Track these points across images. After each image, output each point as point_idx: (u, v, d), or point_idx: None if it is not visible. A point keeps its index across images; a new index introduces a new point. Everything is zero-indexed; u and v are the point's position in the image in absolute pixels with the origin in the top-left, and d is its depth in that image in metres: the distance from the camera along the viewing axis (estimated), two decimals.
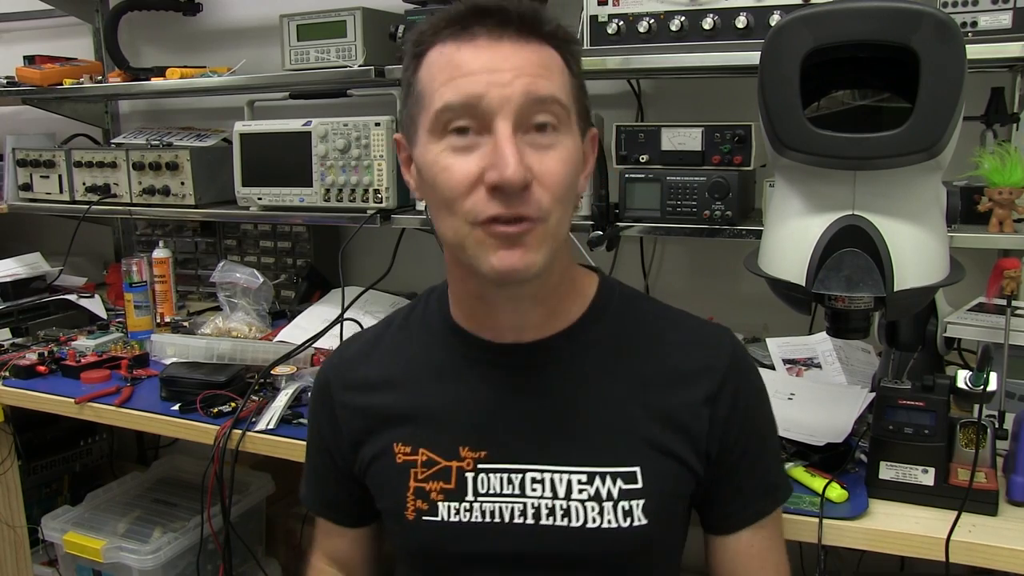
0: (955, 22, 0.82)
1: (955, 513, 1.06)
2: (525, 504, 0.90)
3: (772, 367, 1.57)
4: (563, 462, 0.91)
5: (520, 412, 0.93)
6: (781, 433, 1.22)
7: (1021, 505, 1.11)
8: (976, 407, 1.12)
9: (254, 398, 1.53)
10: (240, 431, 1.43)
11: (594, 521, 0.89)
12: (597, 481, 0.89)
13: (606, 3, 1.52)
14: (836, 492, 1.12)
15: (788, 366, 1.56)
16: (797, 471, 1.18)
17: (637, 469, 0.90)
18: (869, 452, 1.16)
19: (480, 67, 0.79)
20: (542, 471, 0.91)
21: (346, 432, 1.00)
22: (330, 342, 1.72)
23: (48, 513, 1.91)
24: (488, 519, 0.91)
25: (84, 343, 1.87)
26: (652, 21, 1.50)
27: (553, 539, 0.89)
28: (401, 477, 0.94)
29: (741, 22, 1.43)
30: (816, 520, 1.09)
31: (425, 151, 0.83)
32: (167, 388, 1.59)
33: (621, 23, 1.52)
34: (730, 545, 0.98)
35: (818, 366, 1.54)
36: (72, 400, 1.61)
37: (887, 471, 1.13)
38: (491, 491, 0.91)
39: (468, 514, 0.91)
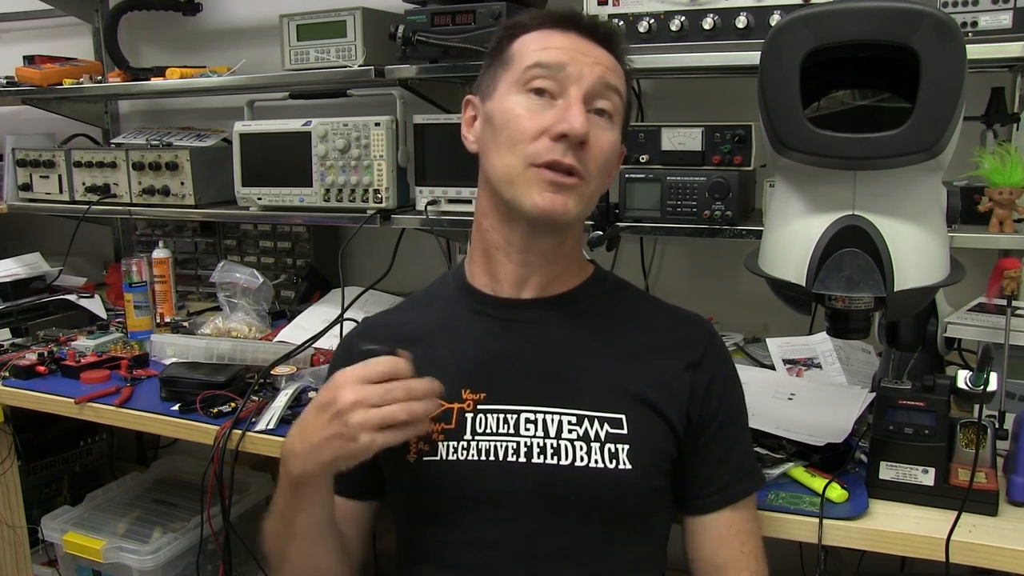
0: (955, 22, 0.82)
1: (955, 513, 1.06)
2: (519, 443, 0.97)
3: (772, 367, 1.57)
4: (555, 405, 0.99)
5: (518, 360, 1.02)
6: (781, 433, 1.22)
7: (1021, 505, 1.11)
8: (976, 407, 1.12)
9: (254, 398, 1.53)
10: (240, 431, 1.43)
11: (582, 460, 0.95)
12: (586, 423, 0.97)
13: (606, 3, 1.52)
14: (836, 492, 1.12)
15: (788, 366, 1.56)
16: (797, 471, 1.18)
17: (623, 417, 0.98)
18: (869, 452, 1.16)
19: (570, 47, 0.97)
20: (536, 411, 0.99)
21: None
22: (330, 342, 1.72)
23: (48, 513, 1.90)
24: (484, 457, 0.97)
25: (84, 343, 1.87)
26: (652, 21, 1.50)
27: (543, 476, 0.96)
28: None
29: (741, 22, 1.43)
30: (816, 520, 1.09)
31: (504, 100, 0.97)
32: (167, 388, 1.59)
33: (621, 23, 1.52)
34: (710, 525, 1.03)
35: (818, 366, 1.54)
36: (72, 400, 1.61)
37: (887, 471, 1.13)
38: (488, 430, 0.98)
39: (465, 452, 0.98)
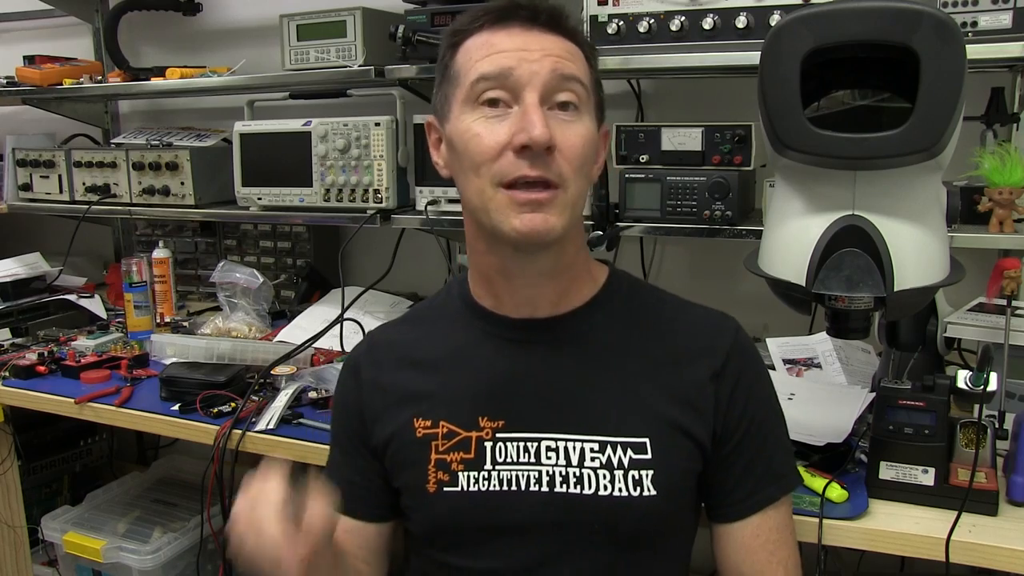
0: (955, 22, 0.82)
1: (955, 513, 1.06)
2: (540, 472, 0.94)
3: (772, 367, 1.57)
4: (576, 431, 0.94)
5: (535, 383, 0.97)
6: None
7: (1021, 505, 1.11)
8: (976, 407, 1.12)
9: (254, 398, 1.53)
10: (240, 431, 1.43)
11: (605, 489, 0.92)
12: (608, 450, 0.93)
13: (606, 3, 1.52)
14: (836, 492, 1.12)
15: (788, 366, 1.56)
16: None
17: (647, 440, 0.93)
18: (869, 452, 1.16)
19: (513, 47, 0.89)
20: (556, 439, 0.94)
21: (367, 410, 1.03)
22: (330, 342, 1.72)
23: (48, 513, 1.91)
24: (505, 487, 0.94)
25: (84, 343, 1.87)
26: (652, 21, 1.50)
27: (566, 506, 0.93)
28: (422, 451, 0.97)
29: (741, 22, 1.42)
30: (816, 520, 1.09)
31: (458, 121, 0.91)
32: (167, 388, 1.59)
33: (621, 23, 1.52)
34: (736, 534, 0.98)
35: (818, 366, 1.54)
36: (72, 400, 1.61)
37: (887, 471, 1.13)
38: (508, 459, 0.95)
39: (487, 483, 0.95)
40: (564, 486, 0.93)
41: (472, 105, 0.90)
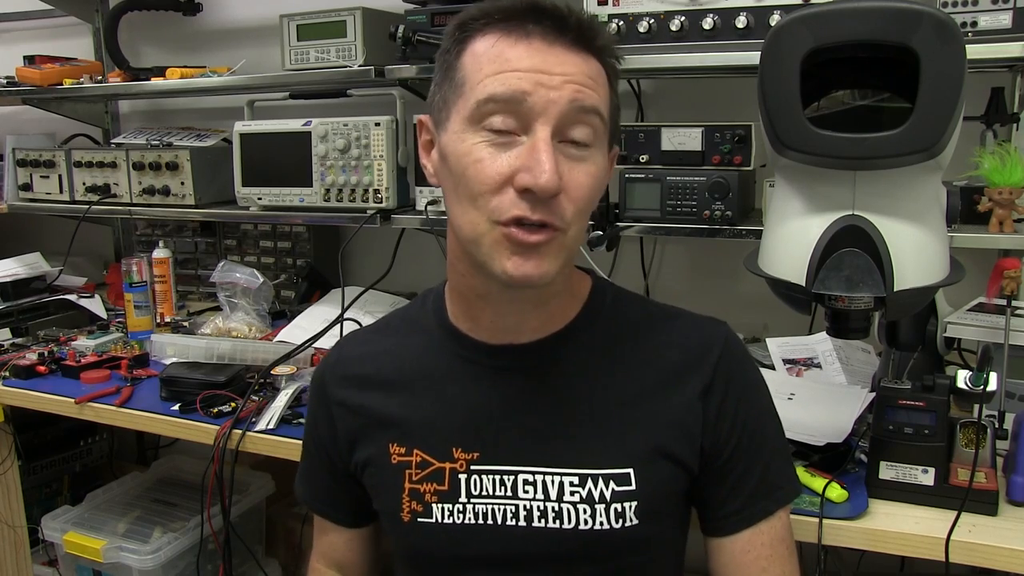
0: (955, 22, 0.82)
1: (955, 513, 1.06)
2: (518, 506, 0.90)
3: (772, 367, 1.57)
4: (555, 464, 0.90)
5: (513, 413, 0.92)
6: None
7: (1021, 505, 1.11)
8: (976, 407, 1.12)
9: (254, 398, 1.53)
10: (240, 431, 1.43)
11: (586, 523, 0.88)
12: (589, 483, 0.89)
13: (606, 3, 1.52)
14: (836, 492, 1.12)
15: (788, 366, 1.56)
16: (797, 471, 1.18)
17: (630, 471, 0.89)
18: (869, 452, 1.16)
19: (531, 66, 0.79)
20: (534, 473, 0.90)
21: (341, 431, 1.00)
22: (330, 342, 1.72)
23: (48, 513, 1.91)
24: (481, 521, 0.91)
25: (84, 343, 1.87)
26: (652, 21, 1.50)
27: (545, 541, 0.89)
28: (396, 478, 0.94)
29: (741, 22, 1.43)
30: (816, 520, 1.09)
31: (458, 139, 0.82)
32: (167, 388, 1.59)
33: (621, 23, 1.52)
34: (726, 548, 0.94)
35: (818, 366, 1.54)
36: (72, 400, 1.61)
37: (887, 471, 1.13)
38: (484, 492, 0.91)
39: (462, 516, 0.91)
40: (543, 521, 0.89)
41: (475, 126, 0.80)
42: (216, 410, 1.50)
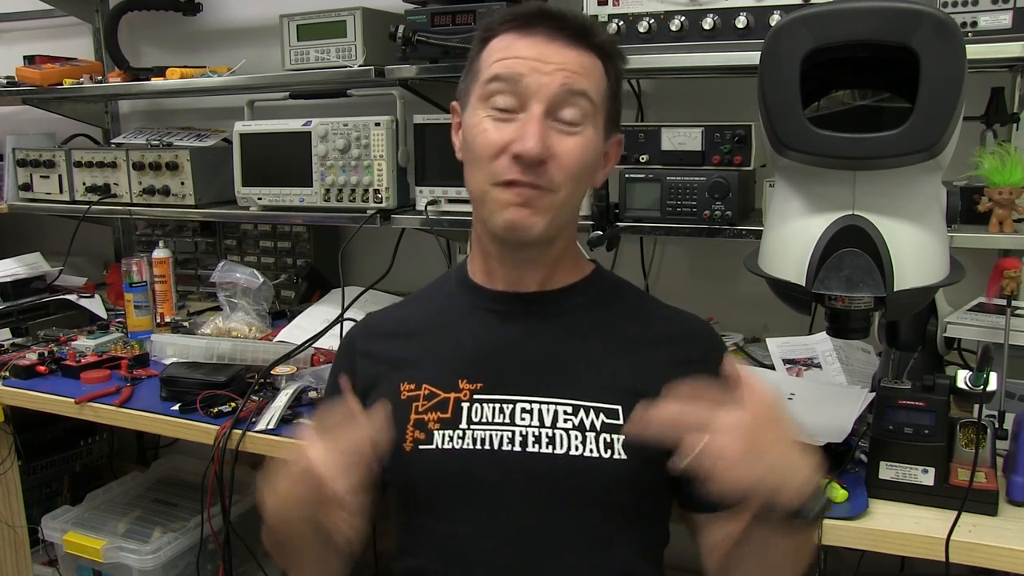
0: (955, 22, 0.83)
1: (955, 513, 1.06)
2: (514, 432, 0.98)
3: (772, 367, 1.57)
4: (551, 394, 0.99)
5: (515, 351, 1.03)
6: None
7: (1021, 505, 1.11)
8: (976, 407, 1.12)
9: (254, 398, 1.53)
10: (240, 431, 1.43)
11: (576, 449, 0.96)
12: (581, 413, 0.98)
13: (606, 3, 1.52)
14: (836, 492, 1.12)
15: (788, 366, 1.56)
16: None
17: (619, 408, 0.98)
18: (869, 452, 1.16)
19: (530, 55, 0.94)
20: (531, 401, 0.99)
21: (360, 378, 1.08)
22: (330, 342, 1.72)
23: (48, 513, 1.91)
24: (479, 446, 0.98)
25: (84, 343, 1.87)
26: (652, 21, 1.50)
27: (538, 465, 0.96)
28: (404, 412, 1.01)
29: (741, 22, 1.43)
30: None
31: (472, 114, 0.98)
32: (167, 388, 1.59)
33: (621, 23, 1.52)
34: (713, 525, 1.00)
35: (818, 366, 1.54)
36: (72, 400, 1.61)
37: (887, 471, 1.13)
38: (483, 419, 0.99)
39: (460, 441, 0.98)
40: (536, 446, 0.96)
41: (484, 103, 0.96)
42: (216, 410, 1.50)
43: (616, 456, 0.96)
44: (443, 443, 0.99)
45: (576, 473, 0.96)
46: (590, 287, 1.08)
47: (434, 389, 1.02)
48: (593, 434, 0.96)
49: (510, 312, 1.05)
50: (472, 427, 0.99)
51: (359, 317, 1.72)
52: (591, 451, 0.96)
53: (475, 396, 1.00)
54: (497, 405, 0.99)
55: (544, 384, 1.00)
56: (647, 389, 0.95)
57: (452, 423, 0.99)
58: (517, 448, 0.97)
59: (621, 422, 0.97)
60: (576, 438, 0.96)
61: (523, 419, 0.98)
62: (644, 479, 0.98)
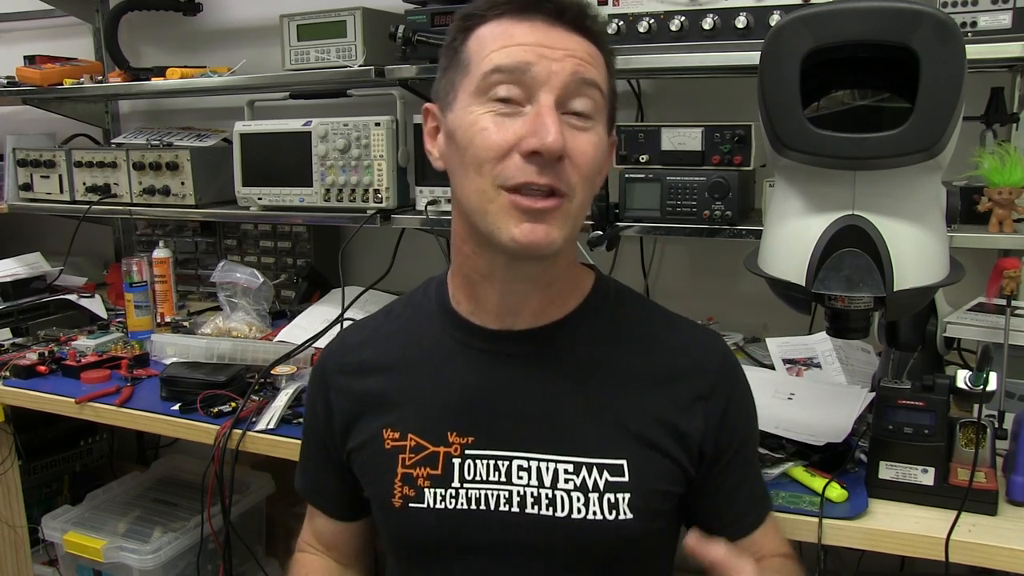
0: (955, 22, 0.82)
1: (955, 513, 1.06)
2: (511, 492, 0.90)
3: (772, 367, 1.57)
4: (550, 451, 0.91)
5: (509, 399, 0.93)
6: (781, 433, 1.22)
7: (1021, 505, 1.11)
8: (976, 407, 1.12)
9: (254, 398, 1.53)
10: (240, 431, 1.43)
11: (579, 512, 0.88)
12: (583, 472, 0.89)
13: (606, 3, 1.52)
14: (836, 492, 1.12)
15: (788, 366, 1.56)
16: (797, 471, 1.18)
17: (624, 462, 0.90)
18: (869, 452, 1.16)
19: (534, 41, 0.83)
20: (529, 459, 0.91)
21: (337, 416, 1.00)
22: None
23: (48, 513, 1.91)
24: (474, 506, 0.91)
25: (84, 343, 1.87)
26: (652, 21, 1.50)
27: (538, 528, 0.89)
28: (389, 463, 0.94)
29: (741, 22, 1.43)
30: (816, 520, 1.09)
31: (465, 112, 0.85)
32: (167, 388, 1.59)
33: (621, 23, 1.52)
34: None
35: (818, 366, 1.54)
36: (72, 400, 1.61)
37: (887, 471, 1.13)
38: (477, 478, 0.91)
39: (454, 501, 0.91)
40: (536, 507, 0.89)
41: (482, 98, 0.84)
42: (216, 410, 1.50)
43: (621, 516, 0.88)
44: (435, 502, 0.91)
45: (578, 537, 0.89)
46: (589, 313, 0.96)
47: (421, 441, 0.93)
48: (596, 495, 0.88)
49: (503, 353, 0.94)
50: (465, 485, 0.91)
51: (359, 317, 1.73)
52: (594, 513, 0.88)
53: (467, 451, 0.92)
54: (492, 462, 0.91)
55: (542, 438, 0.91)
56: (655, 437, 0.91)
57: (443, 481, 0.91)
58: (515, 509, 0.89)
59: (626, 479, 0.89)
60: (579, 500, 0.88)
61: (520, 478, 0.90)
62: (650, 532, 0.92)
